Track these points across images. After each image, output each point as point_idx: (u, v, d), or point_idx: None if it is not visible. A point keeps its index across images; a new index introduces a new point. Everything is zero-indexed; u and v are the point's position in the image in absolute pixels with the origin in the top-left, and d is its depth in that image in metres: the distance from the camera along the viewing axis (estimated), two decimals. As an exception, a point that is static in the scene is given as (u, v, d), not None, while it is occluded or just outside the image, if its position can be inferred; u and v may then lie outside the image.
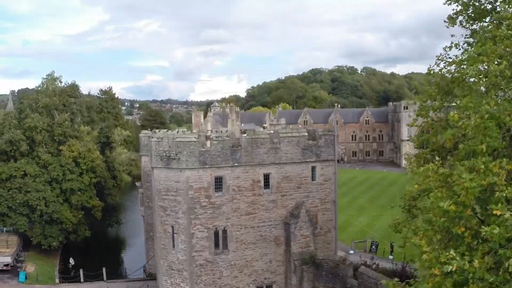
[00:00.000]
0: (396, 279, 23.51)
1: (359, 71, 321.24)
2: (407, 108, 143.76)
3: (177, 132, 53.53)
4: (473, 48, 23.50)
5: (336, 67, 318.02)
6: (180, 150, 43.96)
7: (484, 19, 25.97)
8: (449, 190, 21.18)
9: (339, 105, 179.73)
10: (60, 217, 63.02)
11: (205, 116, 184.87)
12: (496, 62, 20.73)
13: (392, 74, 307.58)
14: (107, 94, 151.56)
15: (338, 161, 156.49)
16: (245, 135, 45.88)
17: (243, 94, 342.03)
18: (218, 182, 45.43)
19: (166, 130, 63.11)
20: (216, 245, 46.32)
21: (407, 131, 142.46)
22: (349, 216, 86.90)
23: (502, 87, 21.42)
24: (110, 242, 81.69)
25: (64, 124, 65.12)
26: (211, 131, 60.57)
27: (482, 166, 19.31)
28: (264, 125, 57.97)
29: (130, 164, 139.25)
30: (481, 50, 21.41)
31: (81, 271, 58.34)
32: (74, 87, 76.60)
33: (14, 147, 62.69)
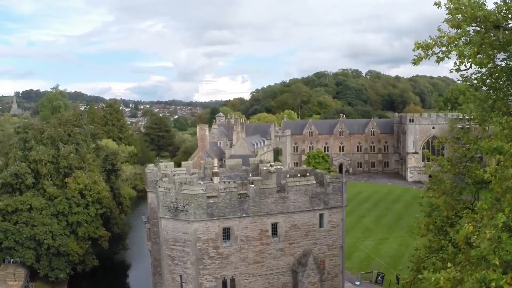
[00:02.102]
0: None
1: (363, 74, 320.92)
2: (412, 120, 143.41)
3: (180, 174, 53.26)
4: None
5: (341, 70, 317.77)
6: (187, 202, 43.82)
7: None
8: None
9: (344, 116, 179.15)
10: (67, 250, 63.09)
11: (209, 127, 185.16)
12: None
13: (397, 77, 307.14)
14: (112, 107, 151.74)
15: (342, 172, 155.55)
16: (253, 185, 45.68)
17: (247, 96, 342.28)
18: (226, 233, 45.35)
19: (171, 164, 62.91)
20: (224, 293, 46.38)
21: (413, 144, 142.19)
22: (355, 239, 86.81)
23: None
24: (116, 269, 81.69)
25: (70, 157, 65.11)
26: (217, 167, 60.61)
27: (493, 284, 19.24)
28: (271, 163, 57.74)
29: (135, 178, 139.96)
30: None
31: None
32: (78, 117, 76.59)
33: (19, 180, 62.73)
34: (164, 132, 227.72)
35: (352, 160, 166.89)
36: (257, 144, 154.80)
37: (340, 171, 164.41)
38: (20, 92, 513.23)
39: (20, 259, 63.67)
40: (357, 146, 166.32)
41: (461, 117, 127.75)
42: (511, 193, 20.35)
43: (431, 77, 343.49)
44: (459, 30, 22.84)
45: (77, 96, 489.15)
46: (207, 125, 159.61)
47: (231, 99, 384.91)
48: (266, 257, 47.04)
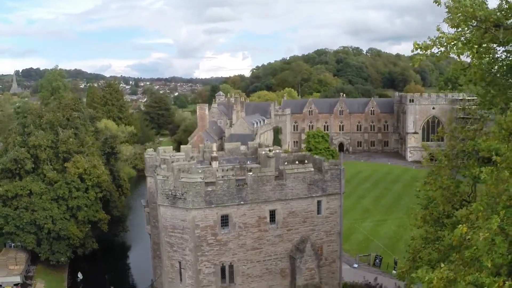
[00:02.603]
0: None
1: (364, 52, 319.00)
2: (412, 101, 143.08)
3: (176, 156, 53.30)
4: None
5: (341, 48, 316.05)
6: (186, 190, 44.01)
7: None
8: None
9: (344, 95, 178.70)
10: (67, 234, 63.57)
11: (209, 105, 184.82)
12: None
13: (398, 55, 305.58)
14: (111, 87, 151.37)
15: (343, 151, 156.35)
16: (251, 173, 45.80)
17: (247, 73, 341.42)
18: (224, 220, 45.65)
19: (170, 149, 62.94)
20: (223, 279, 46.85)
21: (413, 124, 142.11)
22: (354, 221, 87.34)
23: None
24: (116, 251, 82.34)
25: (69, 141, 65.17)
26: (216, 151, 60.70)
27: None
28: (269, 148, 57.76)
29: (135, 158, 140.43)
30: None
31: (90, 292, 59.21)
32: (77, 101, 76.42)
33: (19, 165, 62.91)
34: (164, 110, 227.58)
35: (352, 139, 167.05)
36: (257, 123, 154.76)
37: (340, 150, 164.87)
38: (20, 71, 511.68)
39: (21, 244, 64.17)
40: (357, 125, 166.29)
41: (461, 97, 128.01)
42: (507, 196, 20.44)
43: (432, 55, 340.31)
44: (458, 29, 22.72)
45: (77, 74, 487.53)
46: (207, 104, 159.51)
47: (232, 76, 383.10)
48: (264, 243, 47.42)
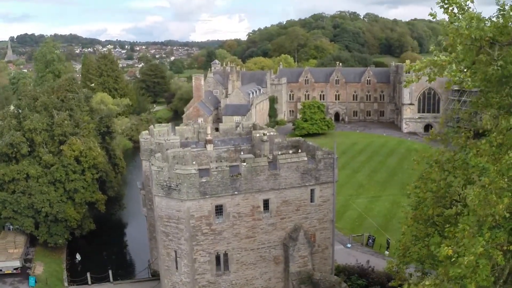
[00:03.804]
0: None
1: (361, 17, 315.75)
2: (409, 72, 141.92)
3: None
4: None
5: (338, 13, 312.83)
6: (180, 181, 44.48)
7: None
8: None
9: (340, 64, 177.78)
10: (64, 216, 64.28)
11: (205, 71, 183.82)
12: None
13: (395, 21, 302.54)
14: (106, 58, 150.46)
15: (338, 120, 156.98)
16: (245, 164, 46.20)
17: (244, 36, 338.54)
18: (219, 210, 46.34)
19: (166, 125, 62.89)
20: (218, 266, 47.87)
21: (409, 95, 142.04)
22: (348, 197, 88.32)
23: None
24: (114, 229, 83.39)
25: (64, 124, 65.18)
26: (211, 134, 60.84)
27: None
28: (264, 132, 58.17)
29: (131, 129, 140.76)
30: None
31: (88, 274, 60.15)
32: (71, 81, 76.02)
33: (15, 149, 63.11)
34: (160, 78, 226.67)
35: (348, 108, 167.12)
36: (252, 93, 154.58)
37: (336, 119, 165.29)
38: (15, 37, 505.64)
39: (19, 227, 64.85)
40: (353, 95, 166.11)
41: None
42: (492, 218, 20.82)
43: (430, 21, 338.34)
44: (451, 51, 22.83)
45: (72, 39, 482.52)
46: (203, 75, 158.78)
47: (228, 39, 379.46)
48: (258, 232, 48.27)
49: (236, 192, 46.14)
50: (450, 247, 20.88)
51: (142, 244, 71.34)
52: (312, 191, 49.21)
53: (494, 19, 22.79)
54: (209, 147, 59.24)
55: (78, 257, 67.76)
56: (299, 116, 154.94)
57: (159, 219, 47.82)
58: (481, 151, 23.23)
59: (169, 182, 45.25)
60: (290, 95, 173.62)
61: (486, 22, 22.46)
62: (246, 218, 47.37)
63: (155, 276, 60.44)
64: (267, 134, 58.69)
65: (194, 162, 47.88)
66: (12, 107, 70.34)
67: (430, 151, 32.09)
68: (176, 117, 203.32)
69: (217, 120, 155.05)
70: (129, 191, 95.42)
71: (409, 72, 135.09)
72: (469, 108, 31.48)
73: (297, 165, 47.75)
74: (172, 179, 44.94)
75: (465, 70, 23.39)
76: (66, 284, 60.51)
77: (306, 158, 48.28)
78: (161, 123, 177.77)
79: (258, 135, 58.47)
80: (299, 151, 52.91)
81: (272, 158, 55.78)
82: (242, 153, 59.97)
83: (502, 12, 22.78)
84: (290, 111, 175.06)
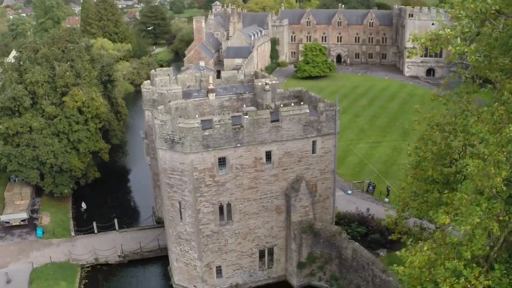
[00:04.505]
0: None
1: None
2: (412, 15, 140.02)
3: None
4: None
5: None
6: (183, 135, 44.89)
7: None
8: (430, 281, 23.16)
9: (342, 6, 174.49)
10: (69, 166, 65.03)
11: (206, 11, 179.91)
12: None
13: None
14: (106, 2, 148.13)
15: (340, 63, 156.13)
16: (247, 116, 46.47)
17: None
18: (222, 162, 46.99)
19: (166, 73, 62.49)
20: (221, 216, 49.05)
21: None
22: (349, 142, 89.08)
23: None
24: (118, 175, 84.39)
25: (65, 75, 64.87)
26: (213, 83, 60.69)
27: (462, 280, 21.13)
28: (266, 81, 58.08)
29: (132, 73, 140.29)
30: None
31: (94, 224, 61.58)
32: (71, 31, 74.97)
33: (17, 103, 63.12)
34: (160, 20, 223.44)
35: (350, 51, 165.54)
36: (254, 35, 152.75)
37: (338, 61, 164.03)
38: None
39: (24, 179, 65.64)
40: (355, 37, 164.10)
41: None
42: (490, 190, 21.32)
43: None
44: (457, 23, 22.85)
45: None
46: (203, 17, 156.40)
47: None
48: (261, 182, 49.14)
49: (238, 145, 46.65)
50: (447, 216, 21.55)
51: (146, 190, 72.51)
52: (314, 142, 49.71)
53: None
54: (211, 96, 59.32)
55: (83, 205, 69.11)
56: (300, 58, 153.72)
57: (163, 171, 48.56)
58: (481, 118, 23.50)
59: (172, 136, 45.67)
60: (291, 36, 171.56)
61: None
62: (248, 170, 48.11)
63: (160, 223, 61.84)
64: (269, 83, 58.66)
65: (197, 116, 47.97)
66: (12, 59, 69.50)
67: (432, 112, 32.33)
68: (177, 59, 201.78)
69: (219, 62, 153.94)
70: (131, 136, 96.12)
71: (412, 16, 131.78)
72: (472, 71, 31.48)
73: (299, 117, 48.01)
74: (175, 133, 45.33)
75: (468, 43, 23.36)
76: (73, 234, 61.90)
77: (308, 110, 48.48)
78: (162, 65, 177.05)
79: (260, 83, 58.43)
80: (302, 103, 52.99)
81: (274, 108, 56.12)
82: (244, 104, 60.26)
83: None
84: (292, 52, 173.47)
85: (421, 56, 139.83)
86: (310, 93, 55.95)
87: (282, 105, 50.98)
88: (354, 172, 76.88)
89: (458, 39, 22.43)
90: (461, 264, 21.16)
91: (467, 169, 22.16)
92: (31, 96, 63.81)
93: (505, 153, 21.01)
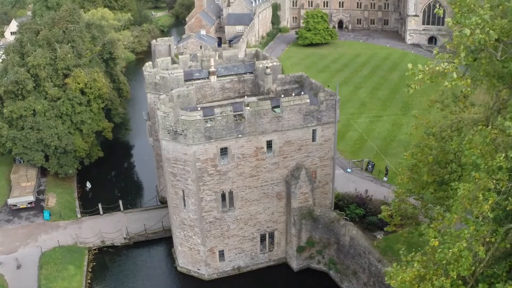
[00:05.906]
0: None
1: None
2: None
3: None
4: None
5: None
6: (186, 127, 45.75)
7: None
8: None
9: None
10: (73, 147, 65.98)
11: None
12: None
13: None
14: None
15: (342, 28, 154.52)
16: (248, 107, 47.18)
17: None
18: (224, 152, 48.01)
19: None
20: (223, 203, 50.41)
21: (414, 7, 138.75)
22: (350, 115, 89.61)
23: None
24: (121, 152, 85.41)
25: (67, 57, 65.13)
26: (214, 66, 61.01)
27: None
28: (267, 64, 58.59)
29: (133, 42, 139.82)
30: None
31: (99, 205, 63.01)
32: (72, 11, 74.52)
33: (20, 86, 63.50)
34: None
35: (352, 16, 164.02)
36: (255, 0, 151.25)
37: (340, 27, 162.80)
38: None
39: (30, 161, 66.56)
40: (357, 3, 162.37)
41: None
42: (478, 208, 22.40)
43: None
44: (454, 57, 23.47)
45: None
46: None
47: None
48: (262, 171, 50.28)
49: (240, 135, 47.56)
50: (436, 239, 22.72)
51: (149, 166, 73.66)
52: (314, 131, 50.58)
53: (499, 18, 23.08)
54: (213, 78, 59.85)
55: (88, 184, 70.45)
56: (302, 24, 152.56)
57: (166, 161, 49.61)
58: (474, 141, 24.36)
59: (175, 127, 46.51)
60: (293, 1, 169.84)
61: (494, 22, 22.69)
62: (250, 159, 49.17)
63: (163, 202, 63.08)
64: (270, 65, 59.10)
65: (199, 108, 48.59)
66: (13, 39, 69.39)
67: (429, 117, 33.13)
68: (177, 23, 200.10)
69: (220, 29, 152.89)
70: (133, 110, 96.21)
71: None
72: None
73: (299, 107, 48.72)
74: (177, 124, 46.16)
75: (464, 76, 23.87)
76: (79, 215, 63.42)
77: (308, 100, 49.13)
78: (163, 31, 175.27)
79: (261, 65, 58.87)
80: (302, 93, 53.55)
81: (275, 93, 56.78)
82: (245, 86, 60.84)
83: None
84: (293, 17, 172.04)
85: (423, 24, 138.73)
86: (311, 79, 56.38)
87: (282, 96, 51.41)
88: (354, 148, 77.67)
89: (454, 73, 23.00)
90: (447, 282, 22.46)
91: (457, 192, 23.16)
92: (33, 79, 64.22)
93: (494, 181, 21.99)
